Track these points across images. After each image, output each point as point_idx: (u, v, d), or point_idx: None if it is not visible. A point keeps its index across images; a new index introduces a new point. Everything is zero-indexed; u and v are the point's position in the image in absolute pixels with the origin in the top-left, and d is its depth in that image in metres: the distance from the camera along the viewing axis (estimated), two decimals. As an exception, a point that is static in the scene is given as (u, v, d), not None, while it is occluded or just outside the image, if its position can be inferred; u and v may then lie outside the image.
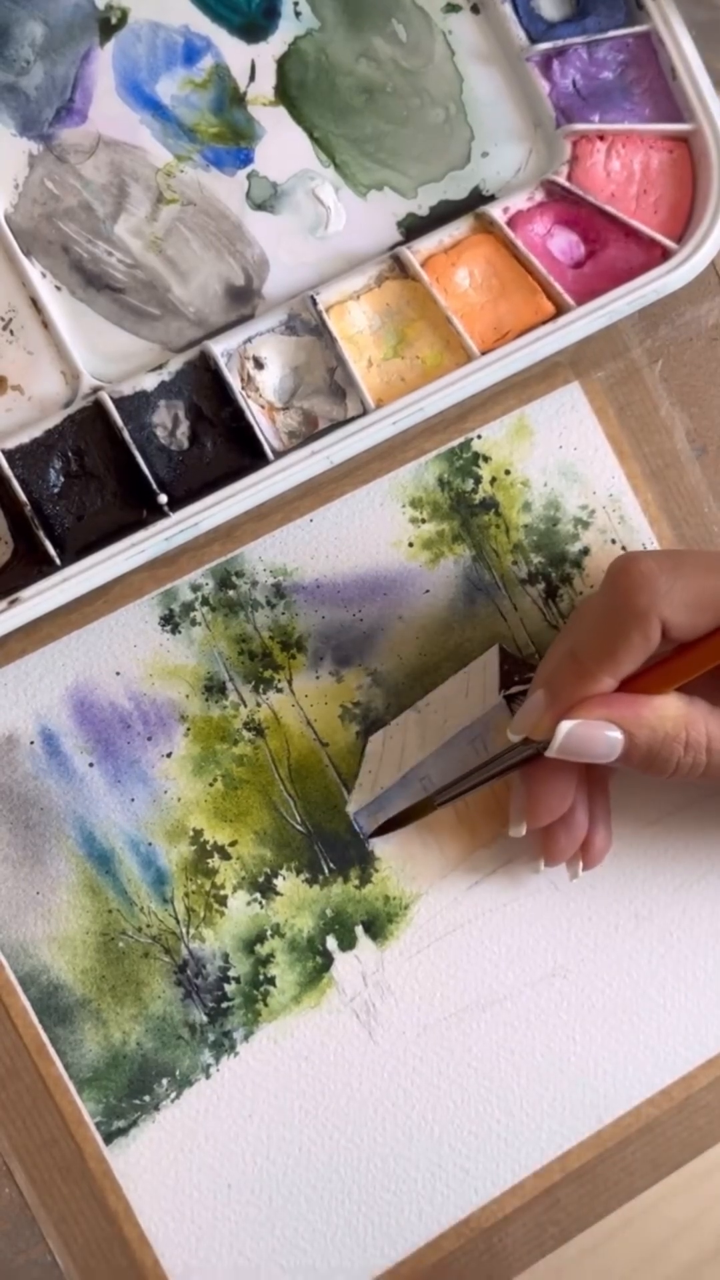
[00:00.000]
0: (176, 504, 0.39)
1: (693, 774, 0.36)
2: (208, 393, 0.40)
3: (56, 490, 0.39)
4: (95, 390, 0.39)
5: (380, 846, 0.40)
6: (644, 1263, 0.41)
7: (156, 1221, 0.39)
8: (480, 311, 0.41)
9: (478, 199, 0.42)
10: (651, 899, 0.42)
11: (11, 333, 0.40)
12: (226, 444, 0.40)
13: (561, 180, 0.42)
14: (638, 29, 0.42)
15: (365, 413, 0.40)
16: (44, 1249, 0.38)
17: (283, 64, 0.42)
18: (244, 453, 0.39)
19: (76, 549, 0.39)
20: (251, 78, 0.41)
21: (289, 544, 0.41)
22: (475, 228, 0.42)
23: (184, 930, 0.39)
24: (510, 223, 0.41)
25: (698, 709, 0.36)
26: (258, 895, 0.40)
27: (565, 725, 0.36)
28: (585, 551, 0.42)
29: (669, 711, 0.36)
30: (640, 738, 0.36)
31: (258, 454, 0.39)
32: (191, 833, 0.40)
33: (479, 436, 0.42)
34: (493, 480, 0.42)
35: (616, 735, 0.36)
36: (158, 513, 0.39)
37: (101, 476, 0.39)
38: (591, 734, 0.36)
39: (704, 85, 0.42)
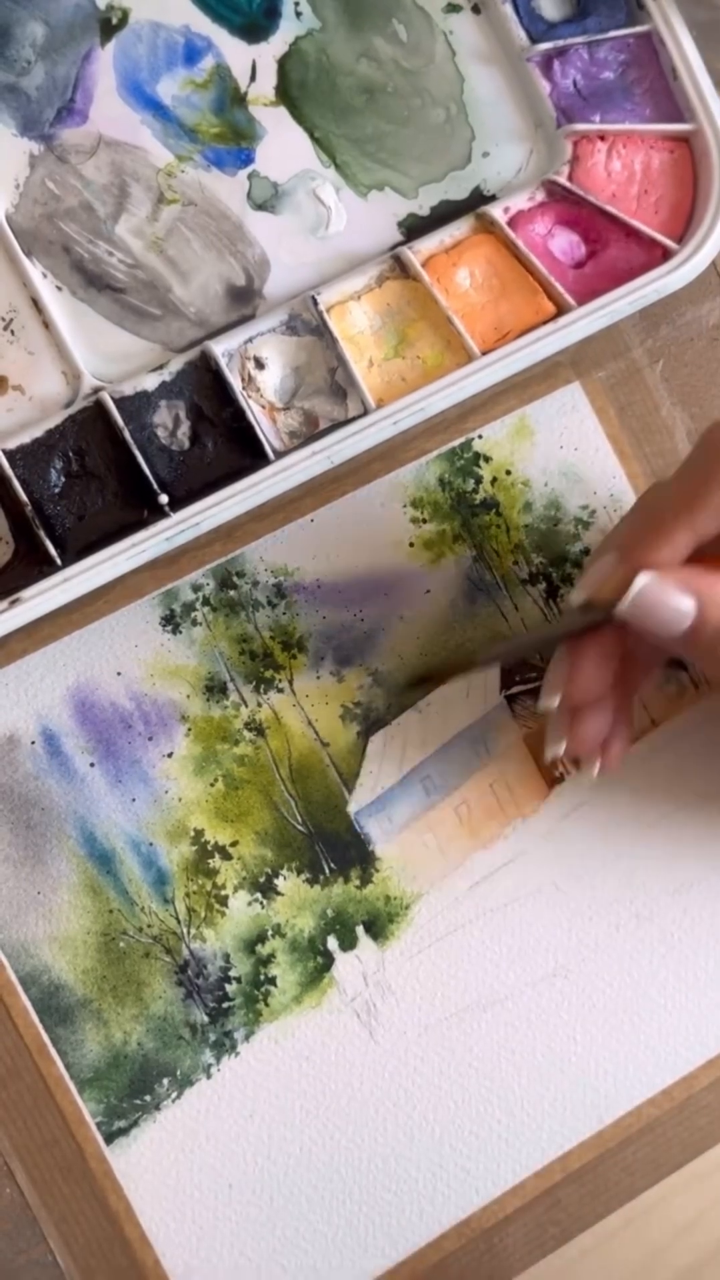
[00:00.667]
0: (177, 504, 0.39)
1: None
2: (209, 393, 0.40)
3: (57, 490, 0.39)
4: (96, 390, 0.39)
5: (381, 846, 0.40)
6: (645, 1263, 0.41)
7: (157, 1221, 0.39)
8: (481, 311, 0.41)
9: (478, 199, 0.42)
10: (652, 899, 0.42)
11: (12, 333, 0.40)
12: (227, 444, 0.40)
13: (562, 180, 0.42)
14: (638, 29, 0.42)
15: (366, 413, 0.40)
16: (45, 1249, 0.38)
17: (283, 64, 0.42)
18: (245, 453, 0.39)
19: (77, 549, 0.39)
20: (252, 78, 0.41)
21: (290, 544, 0.41)
22: (476, 228, 0.42)
23: (185, 930, 0.39)
24: (511, 223, 0.41)
25: None
26: (259, 895, 0.40)
27: (643, 578, 0.33)
28: (586, 552, 0.42)
29: None
30: (713, 614, 0.33)
31: (258, 454, 0.39)
32: (192, 833, 0.40)
33: (480, 436, 0.42)
34: (493, 480, 0.42)
35: (690, 605, 0.33)
36: (158, 513, 0.39)
37: (102, 476, 0.39)
38: (665, 598, 0.33)
39: (704, 85, 0.42)
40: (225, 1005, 0.39)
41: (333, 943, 0.40)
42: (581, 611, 0.35)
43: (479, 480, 0.42)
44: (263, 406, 0.40)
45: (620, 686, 0.38)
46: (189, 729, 0.40)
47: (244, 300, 0.41)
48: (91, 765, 0.39)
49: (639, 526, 0.35)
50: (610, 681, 0.37)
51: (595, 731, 0.38)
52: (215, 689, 0.40)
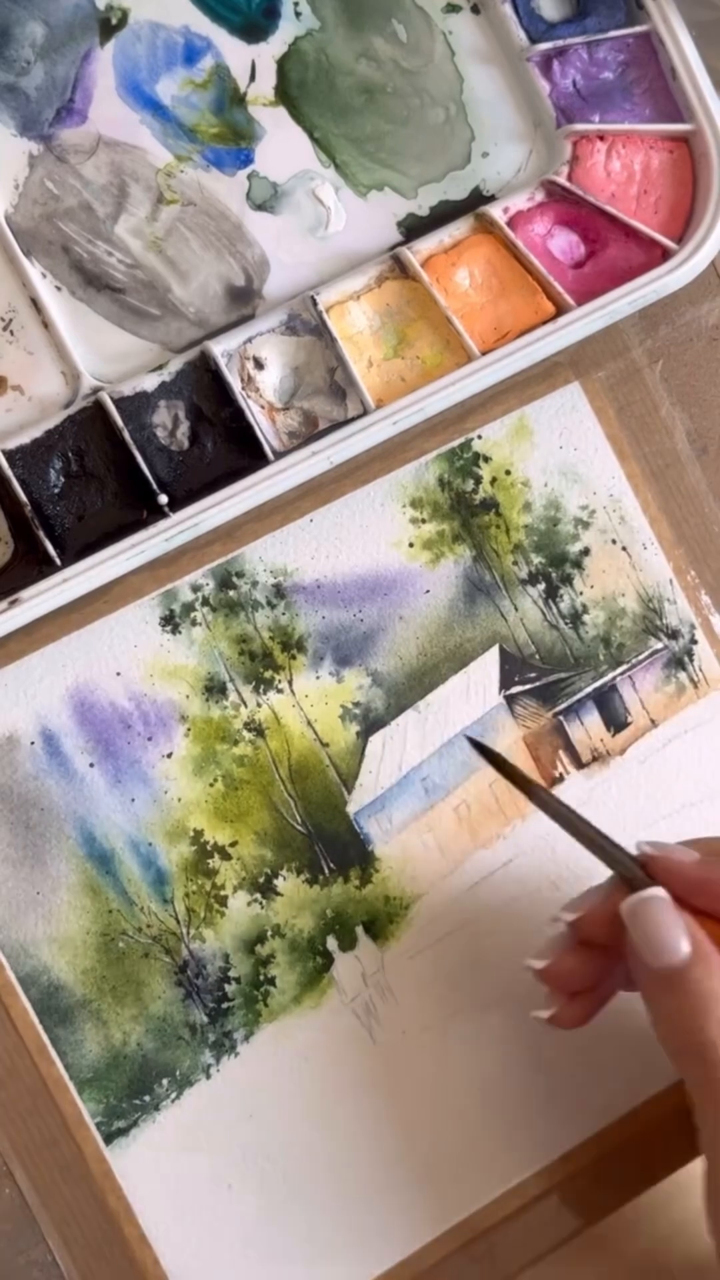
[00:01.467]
0: (176, 504, 0.39)
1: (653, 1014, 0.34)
2: (208, 393, 0.40)
3: (57, 490, 0.39)
4: (95, 390, 0.39)
5: (381, 847, 0.40)
6: (645, 1263, 0.41)
7: (156, 1221, 0.39)
8: (480, 311, 0.41)
9: (478, 199, 0.42)
10: (652, 899, 0.41)
11: (11, 333, 0.40)
12: (227, 444, 0.40)
13: (562, 180, 0.42)
14: (638, 29, 0.42)
15: (365, 413, 0.40)
16: (44, 1249, 0.38)
17: (283, 64, 0.42)
18: (244, 453, 0.39)
19: (77, 549, 0.39)
20: (252, 78, 0.41)
21: (289, 544, 0.41)
22: (475, 228, 0.42)
23: (184, 930, 0.39)
24: (510, 223, 0.41)
25: None
26: (258, 895, 0.40)
27: (661, 893, 0.34)
28: (585, 551, 0.42)
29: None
30: (698, 976, 0.33)
31: (258, 454, 0.39)
32: (192, 833, 0.40)
33: (479, 436, 0.42)
34: (493, 480, 0.42)
35: (685, 949, 0.33)
36: (158, 513, 0.39)
37: (102, 477, 0.39)
38: (671, 929, 0.34)
39: (704, 85, 0.42)
40: (225, 1005, 0.39)
41: (332, 943, 0.40)
42: (637, 867, 0.35)
43: (478, 480, 0.42)
44: (262, 407, 0.40)
45: (614, 969, 0.37)
46: (188, 729, 0.40)
47: (243, 300, 0.41)
48: (91, 765, 0.39)
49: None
50: (609, 963, 0.36)
51: (577, 975, 0.37)
52: (215, 689, 0.40)
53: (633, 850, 0.36)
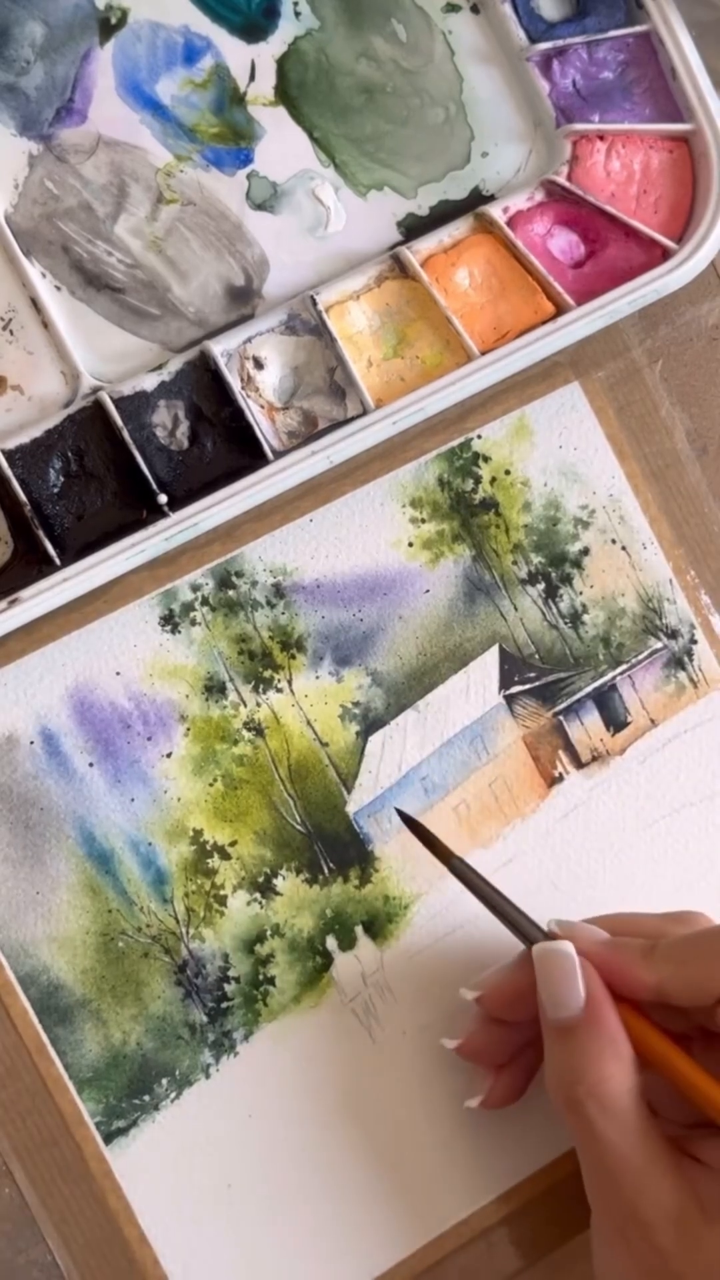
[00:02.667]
0: (176, 504, 0.39)
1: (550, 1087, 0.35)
2: (208, 393, 0.40)
3: (56, 490, 0.39)
4: (95, 390, 0.39)
5: (380, 846, 0.40)
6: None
7: (156, 1221, 0.39)
8: (480, 311, 0.41)
9: (478, 199, 0.42)
10: (652, 899, 0.41)
11: (11, 333, 0.40)
12: (226, 444, 0.40)
13: (561, 180, 0.42)
14: (638, 29, 0.42)
15: (365, 413, 0.40)
16: (44, 1249, 0.38)
17: (283, 64, 0.42)
18: (244, 453, 0.39)
19: (76, 549, 0.39)
20: (251, 78, 0.41)
21: (289, 544, 0.41)
22: (475, 228, 0.42)
23: (184, 930, 0.39)
24: (510, 223, 0.41)
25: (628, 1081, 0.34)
26: (258, 895, 0.40)
27: (567, 946, 0.35)
28: (585, 551, 0.42)
29: (615, 1072, 0.34)
30: (593, 1031, 0.34)
31: (257, 454, 0.39)
32: (191, 833, 0.40)
33: (479, 436, 0.42)
34: (493, 480, 0.42)
35: (579, 1002, 0.35)
36: (158, 513, 0.39)
37: (101, 476, 0.39)
38: (570, 982, 0.35)
39: (704, 85, 0.42)
40: (224, 1005, 0.39)
41: (331, 943, 0.40)
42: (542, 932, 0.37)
43: (478, 480, 0.42)
44: (261, 406, 0.40)
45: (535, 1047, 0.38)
46: (188, 729, 0.40)
47: (243, 300, 0.41)
48: (90, 765, 0.39)
49: (628, 949, 0.36)
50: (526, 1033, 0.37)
51: (493, 1050, 0.38)
52: (214, 689, 0.40)
53: (545, 925, 0.37)
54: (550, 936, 0.36)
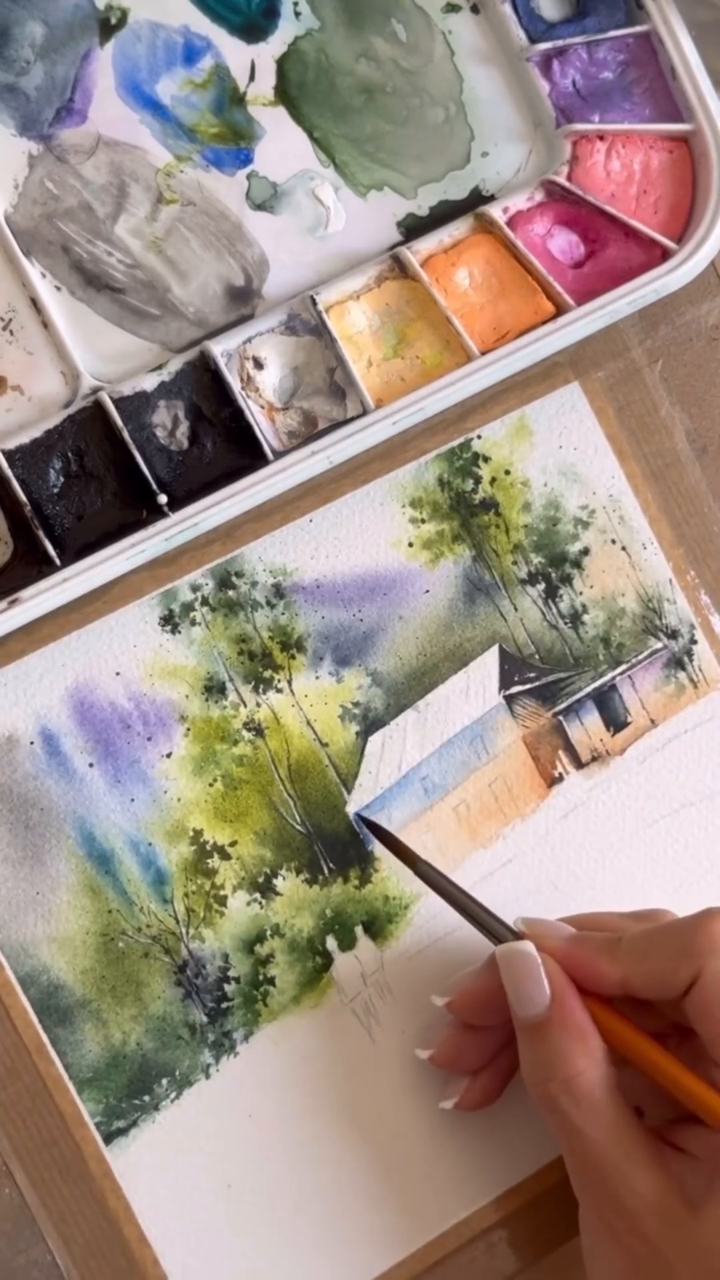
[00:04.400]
0: (176, 504, 0.39)
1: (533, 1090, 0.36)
2: (207, 393, 0.40)
3: (56, 490, 0.39)
4: (95, 390, 0.39)
5: (380, 847, 0.40)
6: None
7: (156, 1221, 0.39)
8: (480, 311, 0.41)
9: (478, 199, 0.42)
10: (651, 899, 0.41)
11: (11, 333, 0.40)
12: (226, 444, 0.40)
13: (561, 180, 0.42)
14: (638, 29, 0.42)
15: (365, 413, 0.40)
16: (44, 1249, 0.38)
17: (282, 64, 0.42)
18: (244, 453, 0.39)
19: (76, 549, 0.39)
20: (251, 78, 0.41)
21: (289, 544, 0.41)
22: (475, 228, 0.42)
23: (184, 930, 0.39)
24: (510, 223, 0.41)
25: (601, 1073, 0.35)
26: (257, 895, 0.40)
27: (528, 947, 0.36)
28: (585, 551, 0.42)
29: (585, 1063, 0.34)
30: (557, 1023, 0.35)
31: (257, 454, 0.39)
32: (191, 833, 0.40)
33: (479, 436, 0.42)
34: (493, 480, 0.42)
35: (544, 999, 0.35)
36: (158, 513, 0.39)
37: (101, 477, 0.39)
38: (535, 980, 0.35)
39: (704, 85, 0.42)
40: (224, 1005, 0.39)
41: (331, 943, 0.40)
42: (510, 931, 0.37)
43: (478, 480, 0.42)
44: (261, 406, 0.40)
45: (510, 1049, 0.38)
46: (188, 729, 0.40)
47: (243, 300, 0.41)
48: (90, 765, 0.39)
49: (591, 943, 0.36)
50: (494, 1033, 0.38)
51: (467, 1056, 0.38)
52: (214, 689, 0.40)
53: (514, 924, 0.37)
54: (520, 937, 0.37)
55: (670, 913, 0.38)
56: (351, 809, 0.40)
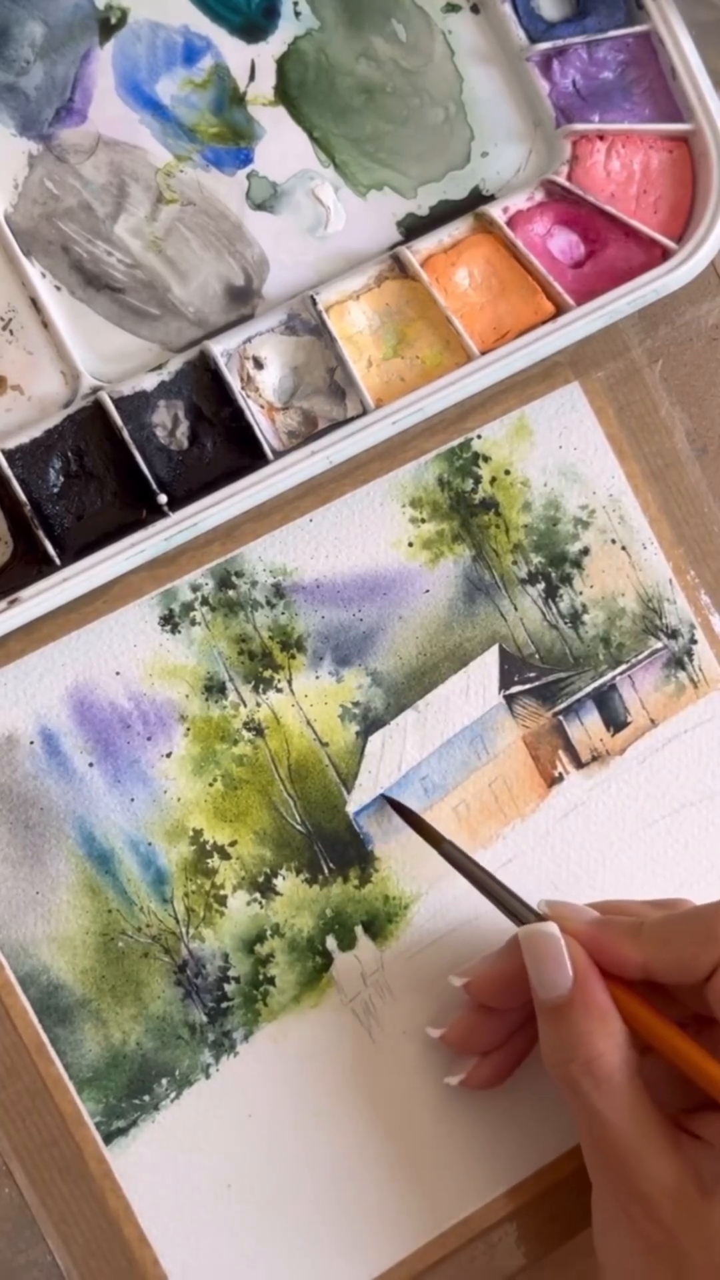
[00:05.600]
0: (176, 504, 0.39)
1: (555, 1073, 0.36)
2: (207, 393, 0.40)
3: (56, 490, 0.39)
4: (95, 390, 0.39)
5: (380, 846, 0.40)
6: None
7: (156, 1221, 0.39)
8: (480, 311, 0.41)
9: (477, 199, 0.42)
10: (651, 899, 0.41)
11: (11, 333, 0.40)
12: (226, 444, 0.40)
13: (561, 180, 0.42)
14: (638, 29, 0.42)
15: (365, 413, 0.40)
16: (44, 1249, 0.38)
17: (282, 64, 0.42)
18: (244, 453, 0.39)
19: (76, 549, 0.39)
20: (251, 78, 0.41)
21: (289, 544, 0.41)
22: (475, 228, 0.42)
23: (184, 930, 0.39)
24: (510, 223, 0.41)
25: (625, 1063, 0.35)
26: (257, 895, 0.40)
27: (553, 928, 0.36)
28: (585, 551, 0.42)
29: (606, 1045, 0.35)
30: (579, 1007, 0.35)
31: (257, 454, 0.39)
32: (191, 833, 0.40)
33: (479, 436, 0.42)
34: (492, 480, 0.42)
35: (566, 981, 0.35)
36: (157, 513, 0.39)
37: (101, 476, 0.39)
38: (558, 962, 0.35)
39: (704, 85, 0.42)
40: (224, 1005, 0.39)
41: (331, 942, 0.40)
42: (533, 913, 0.37)
43: (478, 480, 0.42)
44: (261, 406, 0.40)
45: (526, 1029, 0.38)
46: (188, 729, 0.40)
47: (243, 300, 0.41)
48: (90, 765, 0.39)
49: (615, 927, 0.36)
50: (517, 1017, 0.38)
51: (478, 1037, 0.38)
52: (214, 689, 0.40)
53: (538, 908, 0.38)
54: (542, 918, 0.37)
55: (690, 901, 0.38)
56: (351, 809, 0.40)
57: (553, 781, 0.42)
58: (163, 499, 0.39)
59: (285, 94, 0.42)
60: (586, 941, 0.36)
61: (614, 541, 0.42)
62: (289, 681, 0.41)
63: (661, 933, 0.36)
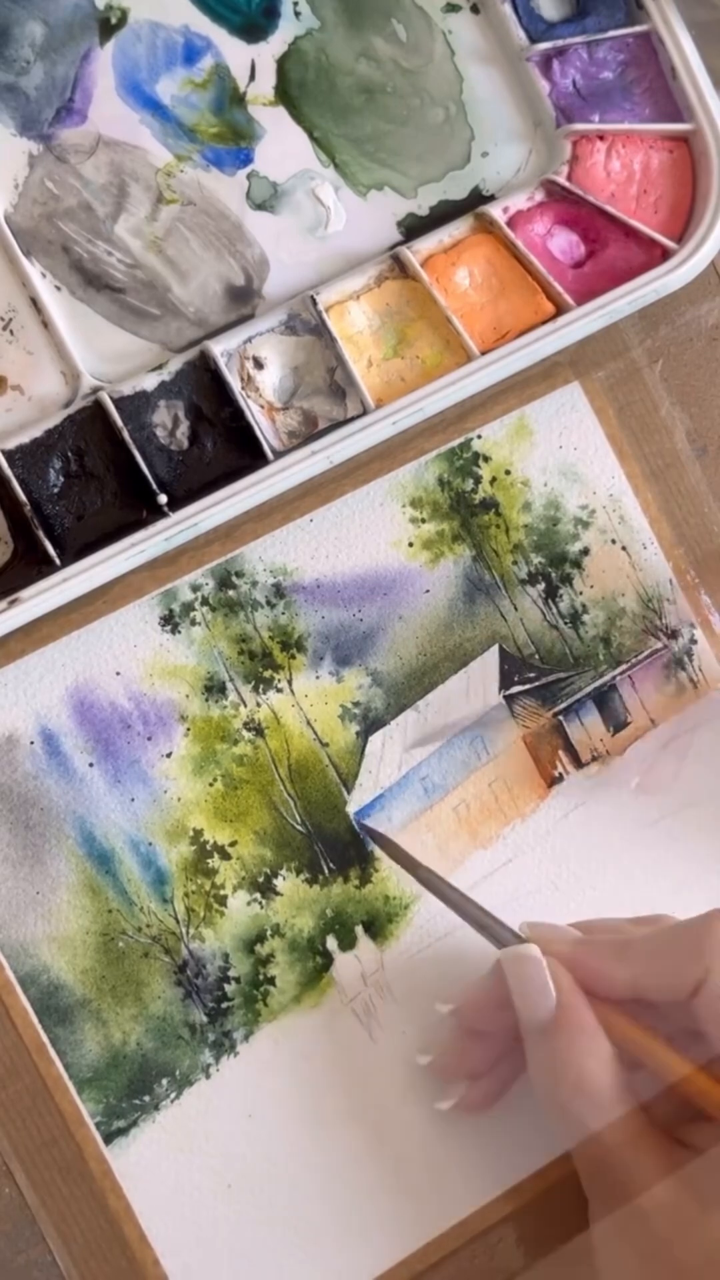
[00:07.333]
0: (176, 504, 0.39)
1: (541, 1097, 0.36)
2: (208, 393, 0.40)
3: (56, 490, 0.39)
4: (95, 390, 0.39)
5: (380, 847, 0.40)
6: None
7: (156, 1221, 0.39)
8: (480, 311, 0.41)
9: (478, 199, 0.42)
10: (651, 899, 0.41)
11: (11, 333, 0.40)
12: (226, 444, 0.40)
13: (561, 180, 0.42)
14: (638, 29, 0.42)
15: (365, 413, 0.40)
16: (44, 1249, 0.38)
17: (283, 64, 0.42)
18: (244, 453, 0.39)
19: (76, 549, 0.39)
20: (251, 78, 0.41)
21: (289, 544, 0.41)
22: (475, 228, 0.42)
23: (184, 930, 0.39)
24: (510, 223, 0.41)
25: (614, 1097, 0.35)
26: (258, 895, 0.40)
27: (534, 950, 0.36)
28: (585, 551, 0.42)
29: (594, 1069, 0.35)
30: (566, 1022, 0.35)
31: (258, 454, 0.39)
32: (191, 833, 0.40)
33: (479, 436, 0.42)
34: (493, 480, 0.42)
35: (550, 1002, 0.35)
36: (158, 513, 0.39)
37: (101, 476, 0.39)
38: (540, 984, 0.35)
39: (704, 85, 0.42)
40: (224, 1005, 0.39)
41: (332, 942, 0.40)
42: (514, 936, 0.37)
43: (478, 480, 0.42)
44: (262, 406, 0.40)
45: (516, 1052, 0.38)
46: (188, 729, 0.40)
47: (243, 300, 0.41)
48: (90, 765, 0.39)
49: (600, 946, 0.36)
50: (505, 1030, 0.37)
51: (468, 1062, 0.38)
52: (214, 689, 0.40)
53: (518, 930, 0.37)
54: (523, 941, 0.37)
55: (672, 918, 0.38)
56: (352, 809, 0.40)
57: (553, 781, 0.42)
58: (163, 499, 0.39)
59: (285, 94, 0.42)
60: (571, 963, 0.36)
61: (614, 541, 0.42)
62: (289, 681, 0.41)
63: (646, 950, 0.35)
